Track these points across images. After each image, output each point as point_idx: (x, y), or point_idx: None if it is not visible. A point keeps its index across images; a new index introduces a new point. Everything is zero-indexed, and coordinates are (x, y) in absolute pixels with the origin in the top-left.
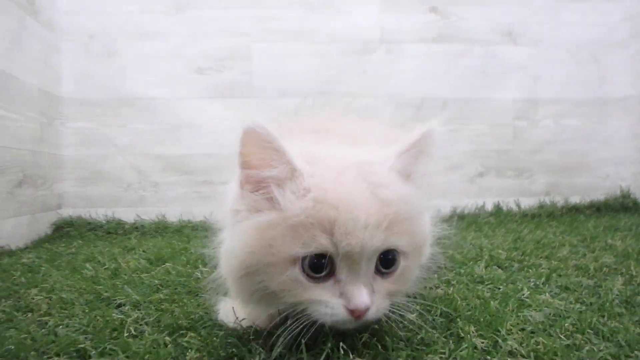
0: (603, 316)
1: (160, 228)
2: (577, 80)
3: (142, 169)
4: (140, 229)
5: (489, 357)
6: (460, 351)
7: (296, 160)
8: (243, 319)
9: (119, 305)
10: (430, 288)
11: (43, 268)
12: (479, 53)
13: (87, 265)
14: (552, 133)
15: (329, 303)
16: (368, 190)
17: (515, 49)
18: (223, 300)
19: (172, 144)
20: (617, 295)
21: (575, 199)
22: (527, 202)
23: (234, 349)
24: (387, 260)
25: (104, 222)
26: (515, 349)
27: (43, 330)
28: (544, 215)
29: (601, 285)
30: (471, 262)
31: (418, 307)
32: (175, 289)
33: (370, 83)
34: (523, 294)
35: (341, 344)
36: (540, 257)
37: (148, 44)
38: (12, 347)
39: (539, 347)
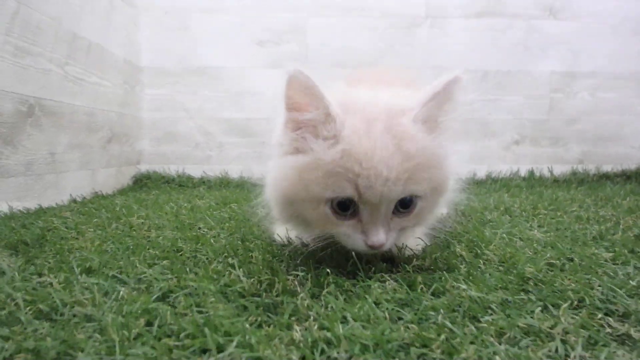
0: (573, 245)
1: (224, 183)
2: (617, 55)
3: (209, 131)
4: (206, 183)
5: (466, 260)
6: (445, 254)
7: (331, 106)
8: (295, 237)
9: (199, 229)
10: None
11: (134, 206)
12: (520, 27)
13: (170, 204)
14: (588, 105)
15: (352, 236)
16: (393, 144)
17: (556, 23)
18: (277, 223)
19: (235, 109)
20: (594, 233)
21: (607, 168)
22: (561, 170)
23: (286, 251)
24: (405, 203)
25: (176, 176)
26: (490, 257)
27: (148, 239)
28: (575, 181)
29: (587, 228)
30: (487, 212)
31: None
32: (242, 220)
33: (416, 56)
34: (515, 228)
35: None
36: (549, 210)
37: (216, 19)
38: (131, 246)
39: (506, 255)
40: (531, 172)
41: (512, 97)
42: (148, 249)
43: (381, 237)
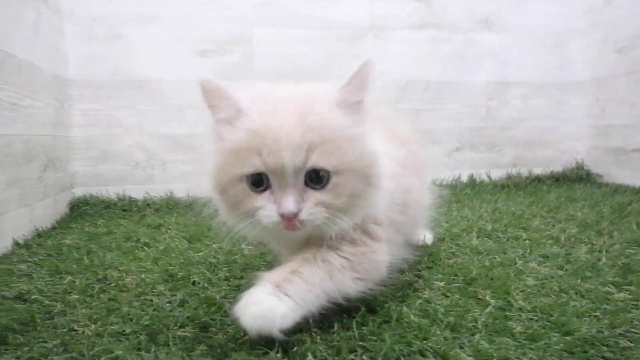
0: (578, 279)
1: (170, 204)
2: (542, 65)
3: (150, 148)
4: (152, 206)
5: (507, 314)
6: (486, 311)
7: (241, 102)
8: None
9: (194, 283)
10: (445, 258)
11: (93, 250)
12: (458, 39)
13: (136, 245)
14: (519, 112)
15: (266, 207)
16: (296, 118)
17: (490, 35)
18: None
19: (177, 123)
20: (585, 261)
21: (537, 171)
22: (497, 174)
23: None
24: (317, 177)
25: (117, 199)
26: (523, 306)
27: (149, 308)
28: (511, 185)
29: (570, 253)
30: (464, 234)
31: (442, 275)
32: (227, 266)
33: None
34: (516, 264)
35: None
36: (520, 229)
37: (152, 28)
38: (148, 322)
39: (540, 305)
40: (472, 178)
41: (452, 105)
42: (162, 327)
43: (290, 205)
